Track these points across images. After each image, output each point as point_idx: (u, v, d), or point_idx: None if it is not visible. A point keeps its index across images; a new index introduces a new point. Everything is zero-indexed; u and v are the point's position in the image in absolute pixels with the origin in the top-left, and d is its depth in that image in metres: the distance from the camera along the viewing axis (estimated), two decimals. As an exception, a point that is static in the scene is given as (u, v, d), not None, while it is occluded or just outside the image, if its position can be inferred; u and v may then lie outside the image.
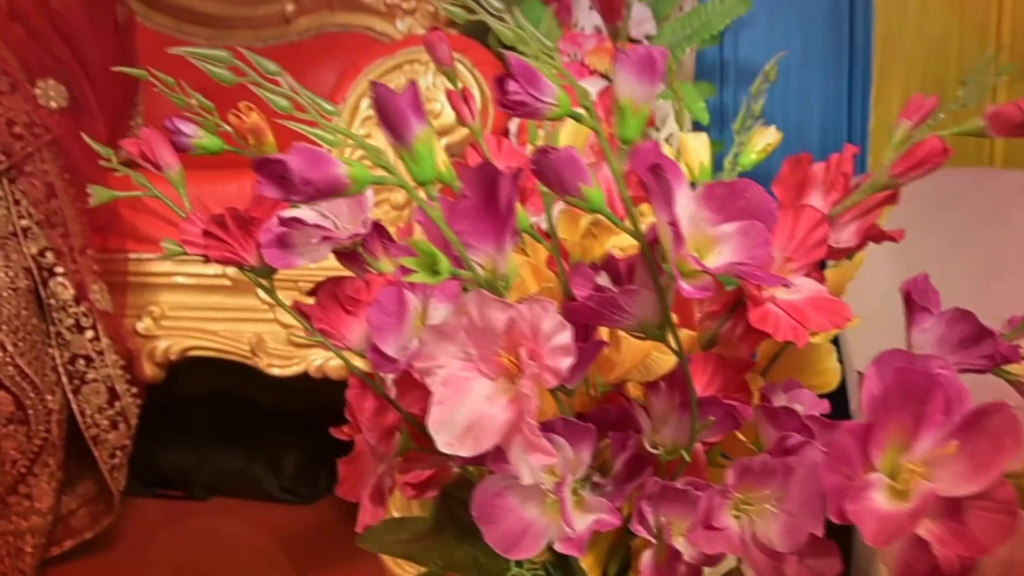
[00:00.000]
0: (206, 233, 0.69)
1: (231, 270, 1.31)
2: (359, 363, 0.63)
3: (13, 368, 1.15)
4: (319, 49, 1.90)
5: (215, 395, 1.69)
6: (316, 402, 1.63)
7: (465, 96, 0.88)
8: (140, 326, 1.32)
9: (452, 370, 0.52)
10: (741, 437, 0.57)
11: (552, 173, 0.49)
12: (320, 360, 1.29)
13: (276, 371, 1.30)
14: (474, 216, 0.49)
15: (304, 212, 0.68)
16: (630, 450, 0.55)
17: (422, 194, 0.47)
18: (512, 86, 0.45)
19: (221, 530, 1.59)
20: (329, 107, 0.48)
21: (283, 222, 0.66)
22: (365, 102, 1.28)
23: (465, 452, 0.49)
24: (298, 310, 0.74)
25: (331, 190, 0.46)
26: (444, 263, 0.47)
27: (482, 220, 0.49)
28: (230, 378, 1.48)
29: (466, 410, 0.50)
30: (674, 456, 0.54)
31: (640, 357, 0.63)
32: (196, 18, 1.90)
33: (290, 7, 1.90)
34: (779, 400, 0.59)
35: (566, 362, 0.49)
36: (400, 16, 1.89)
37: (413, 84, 0.48)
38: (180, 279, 1.32)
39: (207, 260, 0.71)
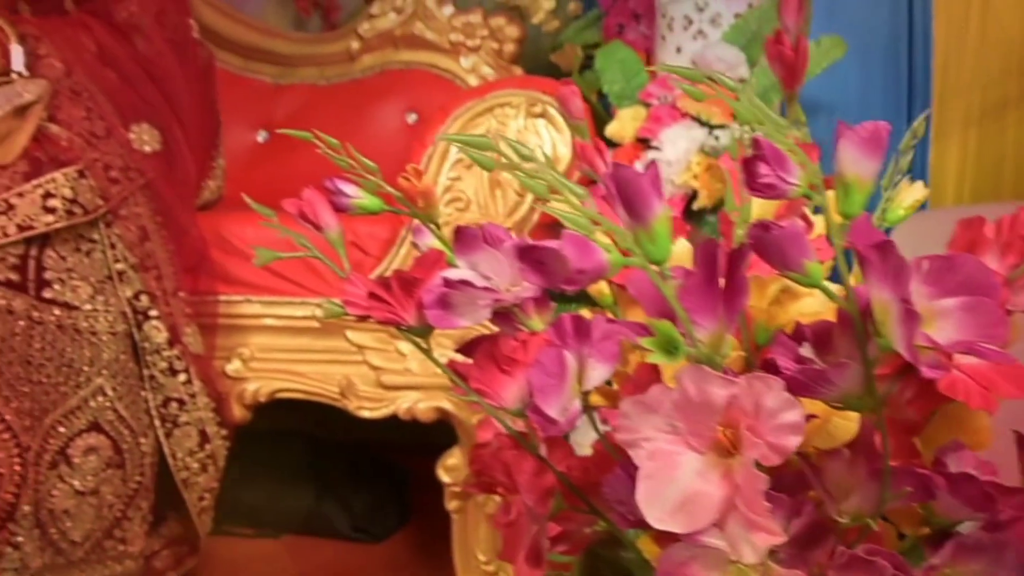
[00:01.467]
0: (371, 295, 0.70)
1: (320, 311, 1.31)
2: (507, 421, 0.63)
3: (112, 413, 1.16)
4: (383, 86, 1.92)
5: (284, 432, 1.69)
6: (386, 438, 1.63)
7: (599, 148, 0.88)
8: (230, 368, 1.32)
9: (658, 443, 0.52)
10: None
11: (775, 249, 0.49)
12: (409, 403, 1.29)
13: (366, 413, 1.29)
14: (698, 292, 0.49)
15: (465, 272, 0.68)
16: (807, 516, 0.55)
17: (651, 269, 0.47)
18: (763, 169, 0.45)
19: (293, 569, 1.58)
20: (579, 191, 0.48)
21: (448, 283, 0.66)
22: (454, 147, 1.28)
23: (678, 528, 0.49)
24: (453, 370, 0.74)
25: (597, 277, 0.46)
26: (682, 345, 0.47)
27: (706, 296, 0.49)
28: (299, 414, 1.48)
29: (678, 486, 0.50)
30: (857, 523, 0.54)
31: (821, 423, 0.62)
32: (262, 56, 1.92)
33: (355, 45, 1.91)
34: (951, 464, 0.59)
35: (794, 440, 0.48)
36: (464, 53, 1.91)
37: (653, 164, 0.48)
38: (269, 321, 1.32)
39: (362, 319, 0.71)
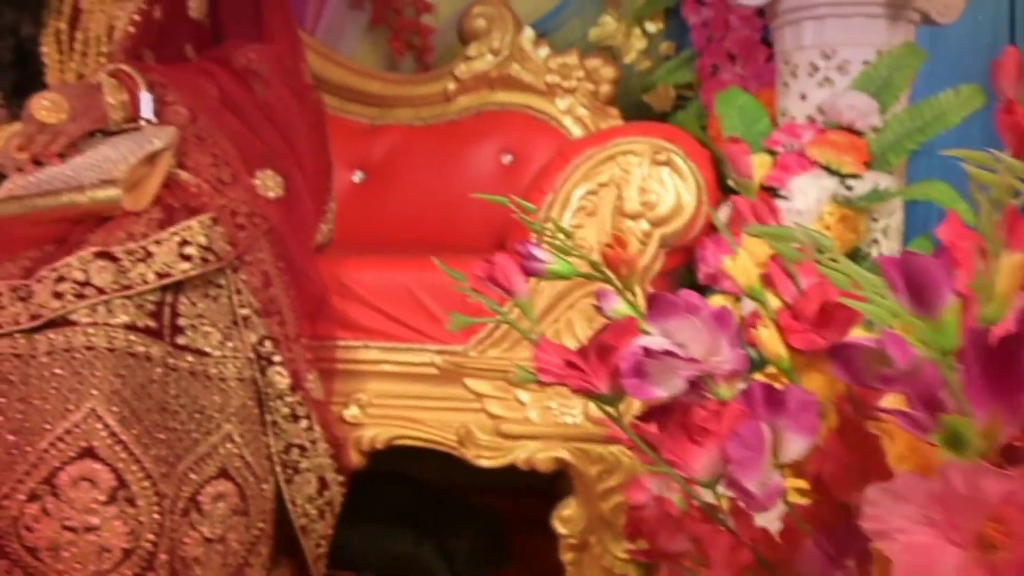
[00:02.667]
0: (568, 364, 0.68)
1: (439, 359, 1.31)
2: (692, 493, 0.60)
3: (240, 460, 1.16)
4: (478, 127, 1.93)
5: (382, 473, 1.68)
6: (485, 483, 1.61)
7: (771, 208, 0.86)
8: (347, 414, 1.31)
9: (913, 536, 0.49)
10: None
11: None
12: (528, 453, 1.27)
13: (484, 463, 1.28)
14: (973, 382, 0.47)
15: (664, 341, 0.66)
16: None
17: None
18: None
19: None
20: (879, 282, 0.46)
21: (647, 352, 0.64)
22: (576, 193, 1.27)
23: (942, 626, 0.46)
24: (640, 437, 0.72)
25: (911, 376, 0.44)
26: (974, 440, 0.44)
27: (981, 386, 0.47)
28: (396, 456, 1.47)
29: (939, 583, 0.48)
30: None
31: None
32: (358, 97, 1.94)
33: (451, 86, 1.92)
34: None
35: (1083, 540, 0.45)
36: (560, 95, 1.91)
37: (945, 251, 0.46)
38: (387, 367, 1.31)
39: (543, 385, 0.70)
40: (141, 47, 1.40)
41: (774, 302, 0.78)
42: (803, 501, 0.68)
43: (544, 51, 1.91)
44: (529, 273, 0.70)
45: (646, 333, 0.65)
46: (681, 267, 1.38)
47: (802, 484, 0.70)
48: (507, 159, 1.90)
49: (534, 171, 1.89)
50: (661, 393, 0.64)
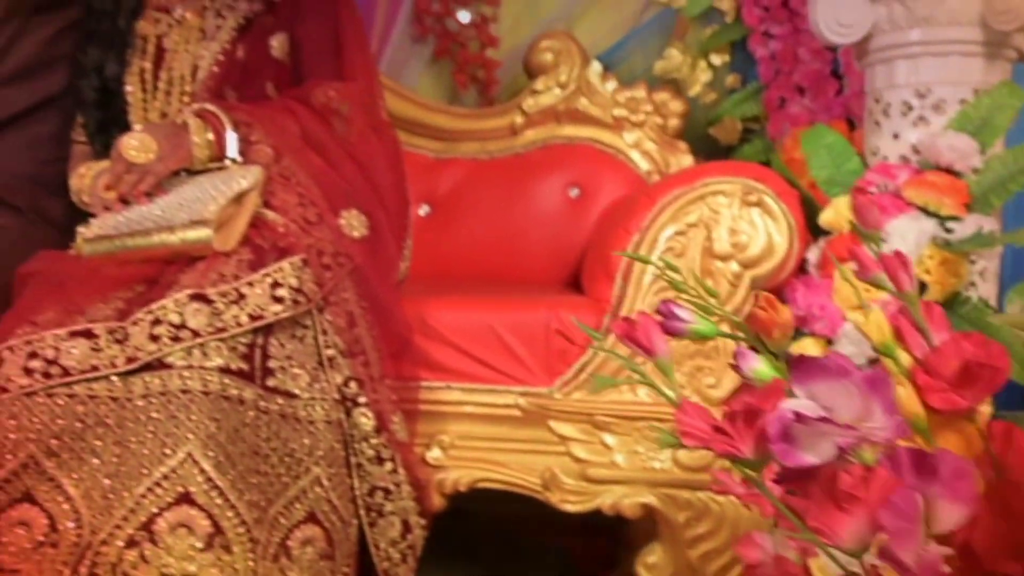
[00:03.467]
0: (716, 429, 0.66)
1: (523, 400, 1.29)
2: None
3: (328, 504, 1.14)
4: (545, 161, 1.92)
5: (455, 511, 1.66)
6: (557, 521, 1.58)
7: (903, 261, 0.83)
8: (430, 456, 1.30)
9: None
10: None
11: None
12: (614, 498, 1.25)
13: (569, 507, 1.26)
14: None
15: (810, 405, 0.64)
16: None
17: None
18: None
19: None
20: None
21: (798, 417, 0.63)
22: (664, 234, 1.25)
23: None
24: (787, 505, 0.70)
25: None
26: None
27: None
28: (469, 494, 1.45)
29: None
30: None
31: None
32: (424, 131, 1.94)
33: (518, 119, 1.92)
34: None
35: None
36: (628, 129, 1.90)
37: None
38: (470, 408, 1.30)
39: (679, 446, 0.69)
40: (224, 86, 1.41)
41: (904, 358, 0.75)
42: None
43: (611, 85, 1.90)
44: (670, 333, 0.68)
45: (792, 396, 0.63)
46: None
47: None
48: (574, 193, 1.89)
49: (602, 205, 1.88)
50: (811, 459, 0.62)
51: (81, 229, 1.38)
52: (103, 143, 1.43)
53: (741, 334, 0.68)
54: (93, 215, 1.37)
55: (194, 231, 1.18)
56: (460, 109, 1.99)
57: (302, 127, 1.35)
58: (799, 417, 0.61)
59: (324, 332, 1.21)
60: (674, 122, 1.90)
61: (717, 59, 2.07)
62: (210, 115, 1.29)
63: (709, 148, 2.02)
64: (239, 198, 1.23)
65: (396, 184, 1.40)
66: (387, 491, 1.21)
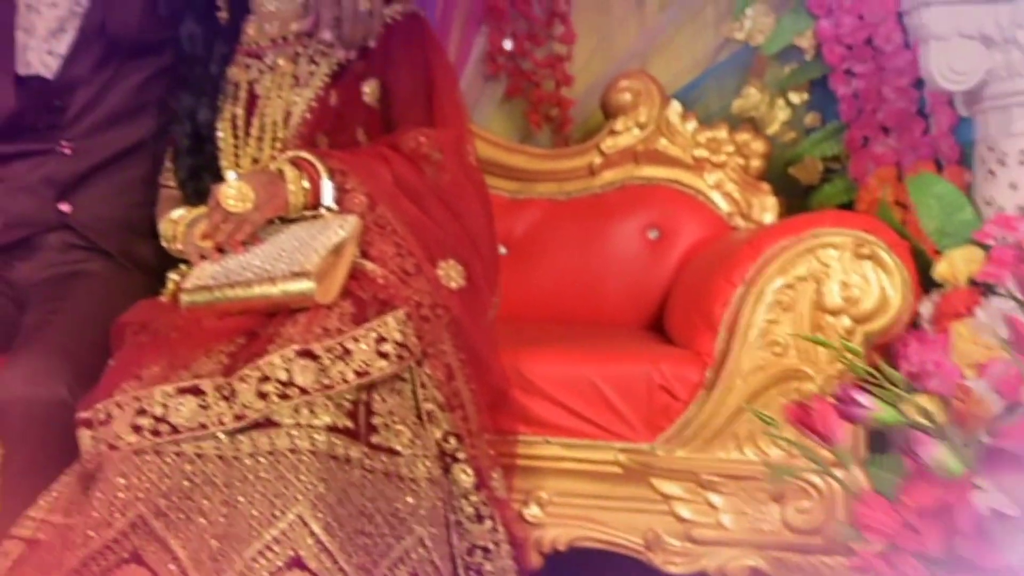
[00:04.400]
0: (905, 525, 0.63)
1: (623, 457, 1.25)
2: None
3: (430, 565, 1.11)
4: (622, 202, 1.89)
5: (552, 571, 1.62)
6: None
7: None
8: (528, 513, 1.27)
9: None
10: None
11: None
12: (721, 560, 1.20)
13: (673, 569, 1.22)
14: None
15: (999, 498, 0.60)
16: None
17: None
18: None
19: None
20: None
21: (994, 513, 0.58)
22: (771, 287, 1.22)
23: None
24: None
25: None
26: None
27: None
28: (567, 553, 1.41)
29: None
30: None
31: None
32: (501, 171, 1.93)
33: (597, 160, 1.90)
34: None
35: None
36: (709, 170, 1.87)
37: None
38: (568, 464, 1.27)
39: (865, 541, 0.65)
40: (316, 132, 1.40)
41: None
42: None
43: (692, 125, 1.88)
44: (849, 419, 0.65)
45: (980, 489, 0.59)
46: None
47: None
48: (653, 234, 1.86)
49: (682, 247, 1.84)
50: (1009, 559, 0.58)
51: (173, 275, 1.38)
52: (194, 189, 1.43)
53: (926, 421, 0.64)
54: (183, 260, 1.37)
55: (296, 283, 1.16)
56: (537, 149, 1.98)
57: (395, 174, 1.33)
58: (995, 514, 0.57)
59: (423, 386, 1.19)
60: (756, 163, 1.86)
61: (796, 97, 2.03)
62: (305, 163, 1.28)
63: (788, 188, 1.98)
64: (337, 249, 1.22)
65: (489, 232, 1.38)
66: (486, 550, 1.18)
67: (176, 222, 1.37)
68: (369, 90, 1.42)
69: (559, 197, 1.92)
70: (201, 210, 1.34)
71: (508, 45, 2.07)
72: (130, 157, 1.49)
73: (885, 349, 1.26)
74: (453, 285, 1.27)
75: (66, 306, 1.32)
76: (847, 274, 1.19)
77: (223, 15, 1.45)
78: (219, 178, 1.41)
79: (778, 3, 2.00)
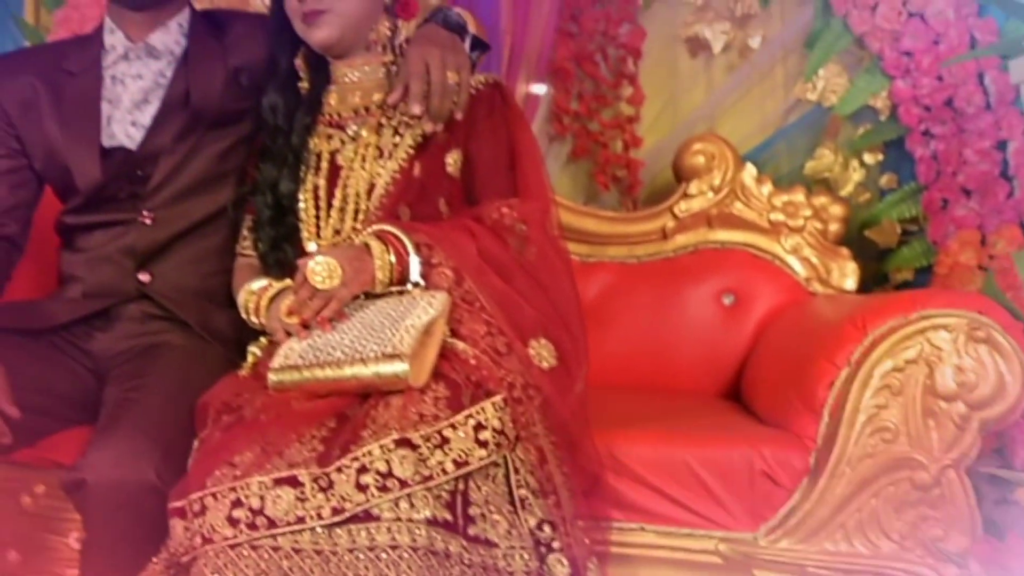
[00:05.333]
0: None
1: (724, 547, 1.20)
2: None
3: (533, 663, 1.06)
4: (695, 266, 1.86)
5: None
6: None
7: None
8: (622, 604, 1.21)
9: None
10: None
11: None
12: (830, 659, 1.14)
13: (779, 667, 1.15)
14: None
15: None
16: None
17: None
18: None
19: None
20: None
21: None
22: (879, 370, 1.17)
23: None
24: None
25: None
26: None
27: None
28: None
29: None
30: None
31: None
32: (571, 234, 1.89)
33: (670, 223, 1.87)
34: None
35: None
36: (785, 234, 1.83)
37: None
38: (664, 553, 1.22)
39: None
40: (399, 203, 1.38)
41: None
42: None
43: (767, 188, 1.84)
44: None
45: None
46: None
47: None
48: (728, 300, 1.81)
49: (758, 313, 1.79)
50: None
51: (253, 348, 1.35)
52: (275, 260, 1.41)
53: None
54: (261, 331, 1.35)
55: (389, 365, 1.13)
56: (608, 212, 1.95)
57: (480, 247, 1.30)
58: None
59: (516, 471, 1.14)
60: (835, 227, 1.82)
61: (870, 158, 2.00)
62: (390, 236, 1.26)
63: (864, 250, 1.93)
64: (428, 328, 1.19)
65: (577, 307, 1.35)
66: (584, 645, 1.13)
67: (257, 294, 1.35)
68: (452, 161, 1.40)
69: (630, 261, 1.89)
70: (285, 283, 1.33)
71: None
72: (208, 226, 1.48)
73: (1002, 436, 1.20)
74: (544, 365, 1.23)
75: (148, 383, 1.30)
76: (961, 358, 1.13)
77: (304, 85, 1.45)
78: (300, 249, 1.40)
79: (851, 63, 1.97)
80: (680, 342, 1.81)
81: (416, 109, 1.30)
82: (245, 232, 1.47)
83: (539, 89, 2.06)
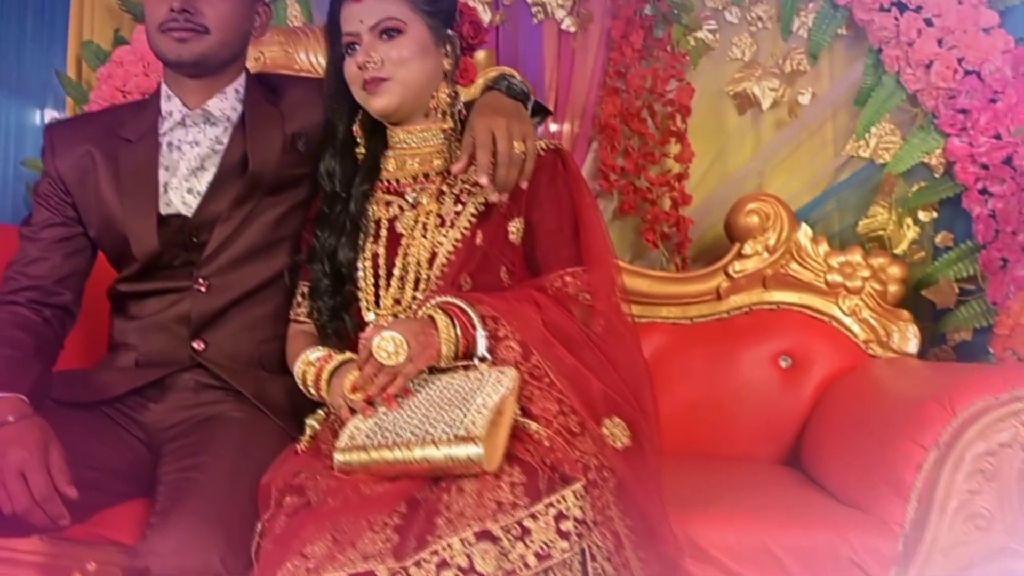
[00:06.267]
0: None
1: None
2: None
3: None
4: (750, 327, 1.82)
5: None
6: None
7: None
8: None
9: None
10: None
11: None
12: None
13: None
14: None
15: None
16: None
17: None
18: None
19: None
20: None
21: None
22: (971, 453, 1.12)
23: None
24: None
25: None
26: None
27: None
28: None
29: None
30: None
31: None
32: (625, 295, 1.86)
33: (724, 284, 1.83)
34: None
35: None
36: (843, 295, 1.79)
37: None
38: (748, 644, 1.16)
39: None
40: (461, 273, 1.34)
41: None
42: None
43: (823, 248, 1.81)
44: None
45: None
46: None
47: None
48: (785, 363, 1.77)
49: (817, 377, 1.75)
50: None
51: (311, 422, 1.32)
52: (334, 329, 1.38)
53: None
54: (316, 401, 1.32)
55: (462, 448, 1.09)
56: (660, 272, 1.92)
57: (546, 319, 1.27)
58: None
59: (593, 557, 1.10)
60: (894, 288, 1.78)
61: (924, 216, 1.96)
62: (455, 309, 1.23)
63: (919, 309, 1.89)
64: (499, 407, 1.15)
65: (648, 382, 1.30)
66: None
67: (316, 365, 1.32)
68: (515, 229, 1.37)
69: (683, 322, 1.85)
70: (347, 356, 1.29)
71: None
72: (263, 292, 1.45)
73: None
74: (618, 445, 1.19)
75: (207, 461, 1.26)
76: (1057, 440, 1.09)
77: (361, 151, 1.43)
78: (358, 318, 1.36)
79: (904, 121, 1.95)
80: (736, 406, 1.76)
81: (483, 180, 1.27)
82: (299, 299, 1.44)
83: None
